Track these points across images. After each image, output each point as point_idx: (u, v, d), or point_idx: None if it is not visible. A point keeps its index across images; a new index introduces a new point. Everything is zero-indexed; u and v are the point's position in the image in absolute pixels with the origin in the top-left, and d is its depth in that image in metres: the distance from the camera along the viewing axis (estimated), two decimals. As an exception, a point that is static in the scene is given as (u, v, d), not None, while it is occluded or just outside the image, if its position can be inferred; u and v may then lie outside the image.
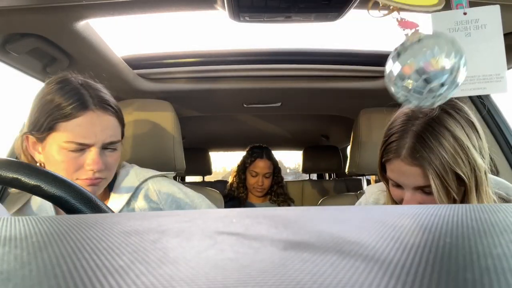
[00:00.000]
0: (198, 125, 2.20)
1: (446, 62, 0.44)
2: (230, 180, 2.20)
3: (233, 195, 2.09)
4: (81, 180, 0.77)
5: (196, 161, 2.53)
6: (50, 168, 0.77)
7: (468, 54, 0.52)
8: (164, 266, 0.17)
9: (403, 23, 0.48)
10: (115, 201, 0.86)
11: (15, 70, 1.02)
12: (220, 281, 0.15)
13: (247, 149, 2.15)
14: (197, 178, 2.99)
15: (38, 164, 0.79)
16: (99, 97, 0.80)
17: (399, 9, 0.48)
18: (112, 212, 0.49)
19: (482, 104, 1.25)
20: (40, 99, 0.78)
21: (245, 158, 2.13)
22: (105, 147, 0.80)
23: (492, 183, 0.71)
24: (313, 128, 2.61)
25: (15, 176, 0.43)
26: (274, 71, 1.40)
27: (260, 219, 0.27)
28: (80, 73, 1.05)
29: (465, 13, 0.53)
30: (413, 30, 0.47)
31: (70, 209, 0.43)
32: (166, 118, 1.10)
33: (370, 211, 0.30)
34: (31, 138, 0.79)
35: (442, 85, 0.45)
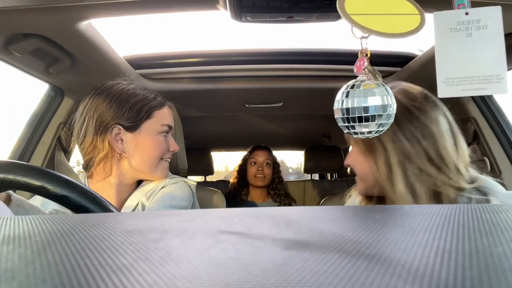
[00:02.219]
0: (200, 125, 2.21)
1: (382, 108, 0.53)
2: (231, 180, 2.21)
3: (235, 195, 2.10)
4: (164, 160, 0.92)
5: (198, 161, 2.53)
6: (136, 155, 0.86)
7: (469, 54, 0.52)
8: (167, 264, 0.17)
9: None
10: (137, 196, 0.90)
11: (17, 70, 1.02)
12: (222, 279, 0.15)
13: (248, 150, 2.17)
14: (199, 178, 2.99)
15: (119, 155, 0.88)
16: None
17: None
18: (119, 211, 0.49)
19: (485, 104, 1.25)
20: (121, 95, 0.88)
21: (245, 156, 2.16)
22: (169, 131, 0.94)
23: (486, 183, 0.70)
24: (315, 128, 2.60)
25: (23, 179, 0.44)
26: (276, 71, 1.40)
27: (262, 219, 0.27)
28: (83, 73, 1.05)
29: (466, 13, 0.53)
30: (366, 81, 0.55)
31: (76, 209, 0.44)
32: None
33: (371, 211, 0.30)
34: (116, 130, 0.86)
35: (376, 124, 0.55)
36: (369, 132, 0.55)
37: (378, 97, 0.53)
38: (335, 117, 0.58)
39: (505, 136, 1.23)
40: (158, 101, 0.92)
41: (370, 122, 0.53)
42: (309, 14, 0.77)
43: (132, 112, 0.87)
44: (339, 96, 0.56)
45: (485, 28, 0.52)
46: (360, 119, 0.54)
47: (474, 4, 0.53)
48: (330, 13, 0.76)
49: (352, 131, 0.56)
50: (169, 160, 0.93)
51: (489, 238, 0.20)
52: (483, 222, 0.24)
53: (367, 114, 0.53)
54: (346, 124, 0.56)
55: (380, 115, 0.53)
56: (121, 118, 0.86)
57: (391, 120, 0.55)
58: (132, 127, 0.87)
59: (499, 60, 0.52)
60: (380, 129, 0.55)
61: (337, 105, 0.56)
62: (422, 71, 1.19)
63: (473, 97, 1.25)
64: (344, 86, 0.56)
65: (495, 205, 0.31)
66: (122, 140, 0.87)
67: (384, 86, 0.55)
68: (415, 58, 1.26)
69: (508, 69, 0.69)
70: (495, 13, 0.52)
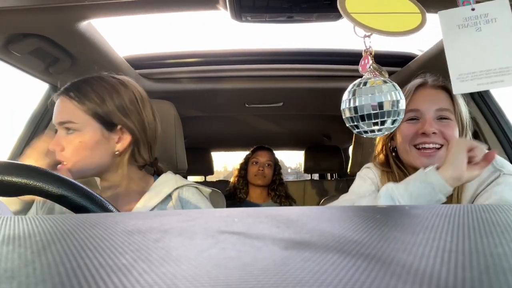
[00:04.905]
0: (200, 125, 2.21)
1: (392, 105, 0.54)
2: (232, 180, 2.22)
3: (235, 193, 2.11)
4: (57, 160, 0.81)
5: (198, 161, 2.53)
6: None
7: (480, 48, 0.53)
8: (167, 264, 0.17)
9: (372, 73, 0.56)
10: (151, 198, 0.86)
11: (17, 70, 1.02)
12: (222, 279, 0.15)
13: (251, 150, 2.19)
14: (199, 178, 2.99)
15: None
16: (67, 86, 0.85)
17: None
18: (118, 211, 0.49)
19: (485, 104, 1.25)
20: None
21: (247, 155, 2.18)
22: (62, 128, 0.82)
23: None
24: (315, 128, 2.60)
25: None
26: (276, 71, 1.40)
27: (262, 219, 0.27)
28: (83, 73, 1.05)
29: (473, 9, 0.53)
30: (373, 78, 0.55)
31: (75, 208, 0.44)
32: (168, 118, 1.10)
33: (371, 211, 0.30)
34: None
35: (383, 122, 0.55)
36: (380, 130, 0.54)
37: (386, 94, 0.52)
38: (343, 117, 0.57)
39: (505, 136, 1.23)
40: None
41: (379, 119, 0.53)
42: (309, 14, 0.77)
43: None
44: (345, 95, 0.56)
45: (494, 21, 0.52)
46: (369, 117, 0.53)
47: (478, -1, 0.53)
48: (330, 13, 0.76)
49: (362, 130, 0.55)
50: (58, 161, 0.80)
51: (489, 238, 0.20)
52: (483, 222, 0.24)
53: (376, 111, 0.52)
54: (355, 123, 0.55)
55: (389, 112, 0.53)
56: None
57: (402, 116, 0.54)
58: None
59: (512, 51, 0.51)
60: (391, 125, 0.54)
61: (344, 105, 0.56)
62: (422, 71, 1.20)
63: (473, 97, 1.25)
64: (351, 85, 0.55)
65: (495, 205, 0.31)
66: None
67: (391, 82, 0.54)
68: (415, 58, 1.26)
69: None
70: (502, 5, 0.52)
